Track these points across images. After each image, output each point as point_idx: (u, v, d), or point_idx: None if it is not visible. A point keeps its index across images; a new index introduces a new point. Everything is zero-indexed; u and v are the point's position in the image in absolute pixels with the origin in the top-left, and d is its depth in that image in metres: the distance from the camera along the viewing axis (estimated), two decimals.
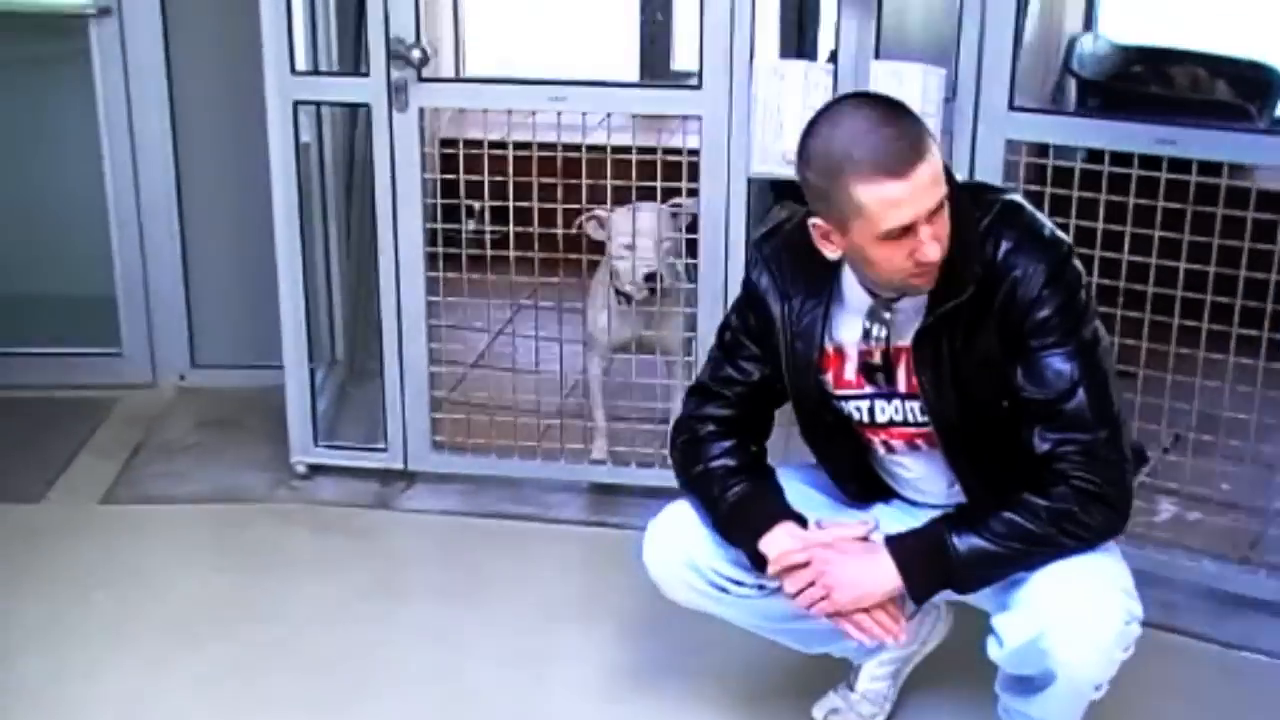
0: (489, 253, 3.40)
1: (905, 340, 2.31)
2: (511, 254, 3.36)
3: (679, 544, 2.46)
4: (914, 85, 3.10)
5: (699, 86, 3.22)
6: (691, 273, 3.39)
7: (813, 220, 2.23)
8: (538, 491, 3.60)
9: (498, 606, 3.17)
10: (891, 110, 2.13)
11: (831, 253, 2.24)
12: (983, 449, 2.34)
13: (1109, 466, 2.24)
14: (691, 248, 3.36)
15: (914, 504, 2.52)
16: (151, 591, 3.24)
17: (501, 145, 3.32)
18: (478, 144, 3.30)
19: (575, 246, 3.40)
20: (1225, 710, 2.84)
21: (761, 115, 3.21)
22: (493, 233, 3.45)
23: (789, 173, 3.10)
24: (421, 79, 3.29)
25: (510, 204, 3.34)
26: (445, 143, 3.39)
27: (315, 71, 3.48)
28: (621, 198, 3.38)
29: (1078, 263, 2.26)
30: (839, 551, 2.32)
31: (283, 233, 3.46)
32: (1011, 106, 3.08)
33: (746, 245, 3.24)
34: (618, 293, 3.49)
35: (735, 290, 3.07)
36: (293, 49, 3.33)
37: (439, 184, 3.39)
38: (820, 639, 2.63)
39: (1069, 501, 2.24)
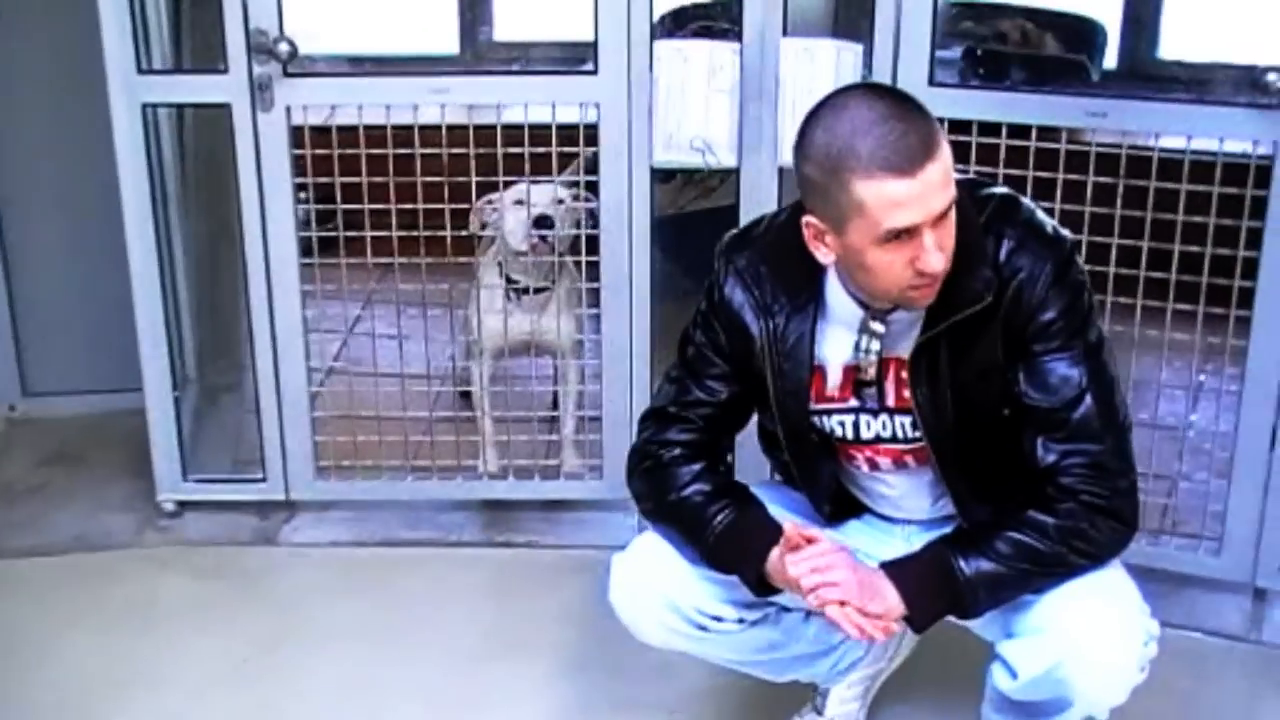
0: (342, 235, 3.23)
1: (897, 351, 2.21)
2: (368, 236, 3.18)
3: (655, 584, 2.33)
4: (827, 62, 3.03)
5: (595, 71, 3.08)
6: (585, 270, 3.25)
7: (807, 219, 2.10)
8: (431, 512, 3.44)
9: (415, 647, 2.99)
10: (901, 102, 2.02)
11: (824, 256, 2.12)
12: (978, 461, 2.25)
13: (1117, 478, 2.17)
14: (591, 244, 3.22)
15: (888, 520, 2.45)
16: (20, 663, 2.95)
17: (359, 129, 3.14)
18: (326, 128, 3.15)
19: (438, 230, 3.20)
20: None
21: (664, 100, 3.09)
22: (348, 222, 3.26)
23: (695, 160, 3.13)
24: (288, 74, 3.08)
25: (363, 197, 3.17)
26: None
27: (165, 69, 3.23)
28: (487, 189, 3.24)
29: (1080, 260, 2.18)
30: (846, 562, 2.20)
31: (137, 246, 3.23)
32: (932, 82, 2.97)
33: (651, 239, 3.19)
34: (509, 281, 3.34)
35: (640, 287, 3.21)
36: (139, 45, 3.11)
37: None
38: (794, 666, 2.54)
39: (1078, 518, 2.16)
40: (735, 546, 2.25)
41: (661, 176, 3.44)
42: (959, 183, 2.16)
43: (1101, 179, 2.93)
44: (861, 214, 2.01)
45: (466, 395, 3.58)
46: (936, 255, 2.03)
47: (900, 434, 2.27)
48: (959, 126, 2.94)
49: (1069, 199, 2.90)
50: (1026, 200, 2.20)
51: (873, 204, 1.99)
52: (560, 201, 3.25)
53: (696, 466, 2.32)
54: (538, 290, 3.35)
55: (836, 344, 2.25)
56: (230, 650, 2.97)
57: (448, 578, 3.22)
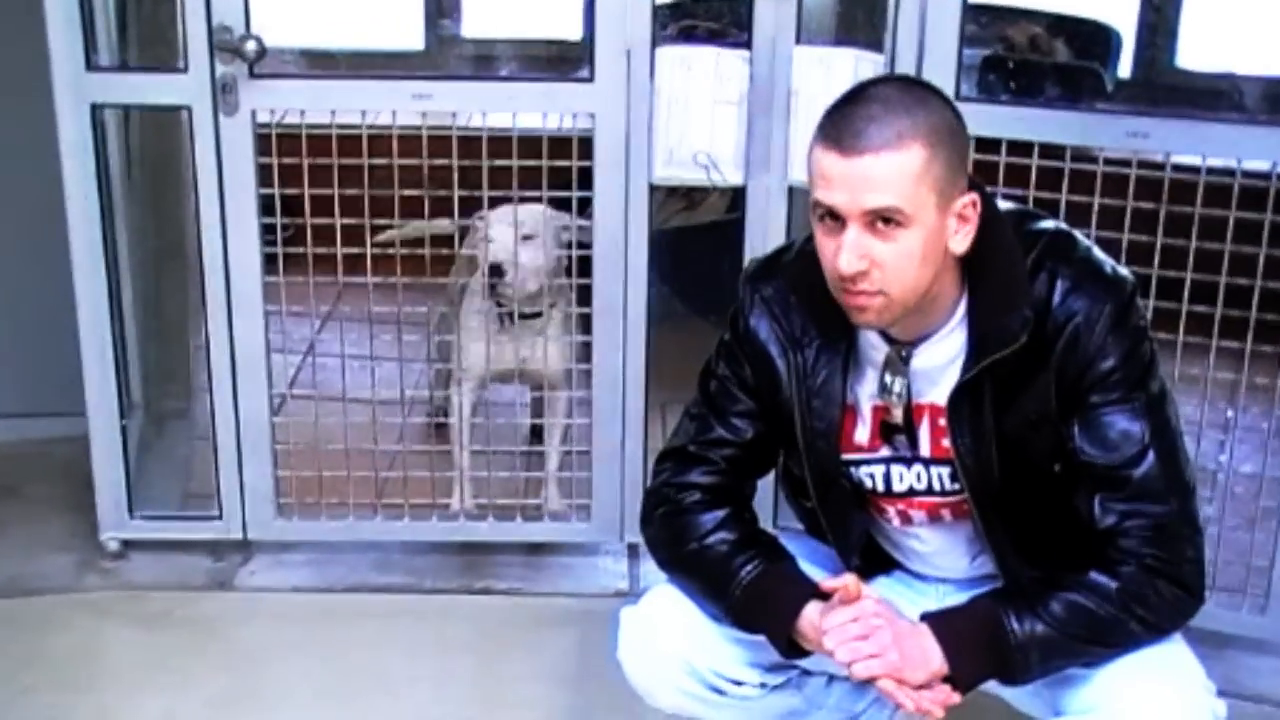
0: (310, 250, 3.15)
1: (929, 398, 2.15)
2: (339, 251, 3.12)
3: (670, 642, 2.25)
4: (844, 73, 2.97)
5: (591, 79, 3.03)
6: (577, 294, 3.21)
7: None
8: (403, 555, 3.38)
9: (385, 706, 2.90)
10: (906, 93, 2.01)
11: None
12: (1024, 517, 2.18)
13: (1182, 543, 2.10)
14: (584, 266, 3.16)
15: (920, 577, 2.38)
16: None
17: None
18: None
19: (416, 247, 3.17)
20: None
21: (666, 111, 3.05)
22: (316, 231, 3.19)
23: (698, 177, 3.11)
24: (254, 75, 3.02)
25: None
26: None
27: (118, 67, 3.16)
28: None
29: (1140, 303, 2.12)
30: (888, 619, 2.12)
31: (82, 259, 3.14)
32: (958, 97, 2.87)
33: (649, 262, 3.15)
34: (499, 306, 3.30)
35: (635, 313, 3.17)
36: (88, 38, 3.02)
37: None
38: None
39: (1140, 583, 2.09)
40: (763, 603, 2.18)
41: None
42: (1011, 214, 2.12)
43: (1141, 204, 2.89)
44: (810, 181, 2.04)
45: (441, 426, 3.54)
46: (848, 257, 1.99)
47: (937, 486, 2.21)
48: (986, 146, 2.90)
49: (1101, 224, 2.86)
50: (1083, 236, 2.15)
51: (813, 170, 2.02)
52: (528, 237, 3.20)
53: (719, 513, 2.25)
54: (528, 315, 3.30)
55: (865, 381, 2.19)
56: (185, 712, 2.87)
57: (421, 628, 3.16)
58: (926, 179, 1.98)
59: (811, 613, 2.15)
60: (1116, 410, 2.08)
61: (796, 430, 2.21)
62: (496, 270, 3.19)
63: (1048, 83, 3.92)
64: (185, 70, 3.00)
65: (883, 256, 1.99)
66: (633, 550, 3.33)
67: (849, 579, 2.14)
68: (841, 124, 1.98)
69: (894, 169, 1.96)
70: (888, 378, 2.15)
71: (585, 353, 3.23)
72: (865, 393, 2.20)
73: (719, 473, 2.28)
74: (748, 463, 2.29)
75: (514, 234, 3.17)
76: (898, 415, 2.17)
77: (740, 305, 2.24)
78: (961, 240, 2.04)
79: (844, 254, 1.99)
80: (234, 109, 3.02)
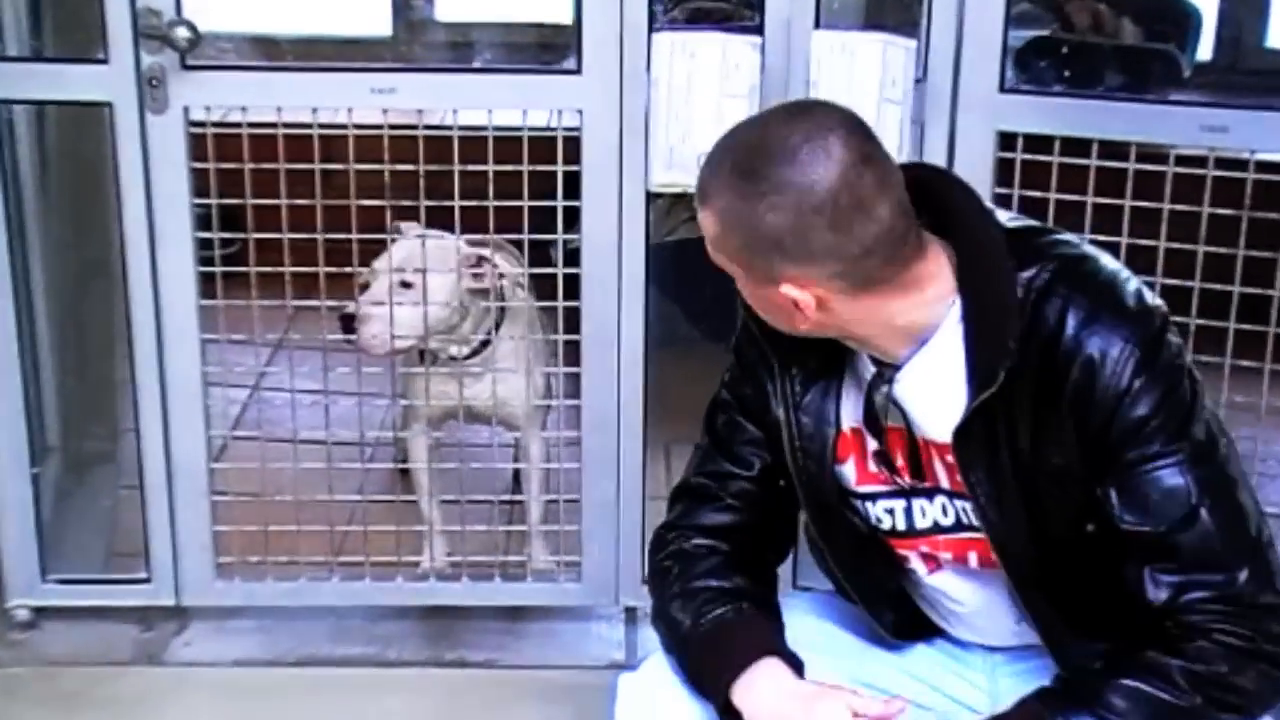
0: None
1: (933, 434, 2.16)
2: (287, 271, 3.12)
3: (678, 717, 2.25)
4: (870, 61, 2.99)
5: (578, 69, 3.04)
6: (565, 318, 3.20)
7: None
8: (363, 622, 3.40)
9: None
10: (754, 147, 2.01)
11: None
12: (1061, 578, 2.16)
13: (1259, 611, 2.05)
14: (571, 287, 3.16)
15: (964, 645, 2.37)
16: None
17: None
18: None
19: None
20: None
21: (665, 106, 3.05)
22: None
23: None
24: (186, 66, 3.02)
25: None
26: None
27: (26, 57, 3.19)
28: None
29: (1175, 336, 2.08)
30: None
31: None
32: (1004, 88, 2.97)
33: (647, 279, 3.17)
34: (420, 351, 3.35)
35: (631, 341, 3.18)
36: None
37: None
38: None
39: (1213, 660, 2.05)
40: (710, 660, 2.20)
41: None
42: (1015, 231, 2.11)
43: (1219, 210, 2.90)
44: None
45: (408, 473, 3.56)
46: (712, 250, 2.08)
47: (966, 520, 2.20)
48: (1037, 144, 2.94)
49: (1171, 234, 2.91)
50: (1106, 257, 2.13)
51: None
52: (406, 285, 3.18)
53: (719, 559, 2.30)
54: (456, 357, 3.32)
55: (859, 405, 2.22)
56: None
57: (384, 706, 3.17)
58: (722, 248, 2.04)
59: (761, 680, 2.15)
60: (1156, 466, 2.05)
61: (785, 452, 2.23)
62: (346, 322, 3.17)
63: (1110, 69, 3.90)
64: (106, 61, 3.00)
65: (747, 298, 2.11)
66: (630, 615, 3.34)
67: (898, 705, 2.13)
68: (712, 149, 2.05)
69: (702, 221, 2.05)
70: (878, 400, 2.16)
71: (575, 385, 3.23)
72: (858, 416, 2.22)
73: (729, 510, 2.31)
74: (765, 501, 2.31)
75: (387, 279, 3.17)
76: (900, 451, 2.18)
77: (741, 320, 2.28)
78: (810, 316, 2.05)
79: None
80: (163, 105, 3.02)
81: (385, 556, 3.31)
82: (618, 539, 3.25)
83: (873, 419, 2.17)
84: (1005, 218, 2.13)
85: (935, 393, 2.10)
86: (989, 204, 2.13)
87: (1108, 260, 2.12)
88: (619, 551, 3.25)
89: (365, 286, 3.20)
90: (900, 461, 2.18)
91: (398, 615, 3.39)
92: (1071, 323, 2.03)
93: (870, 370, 2.16)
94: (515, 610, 3.37)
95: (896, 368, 2.12)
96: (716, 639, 2.21)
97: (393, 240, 3.21)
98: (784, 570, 2.98)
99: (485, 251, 3.22)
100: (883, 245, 1.97)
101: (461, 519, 3.33)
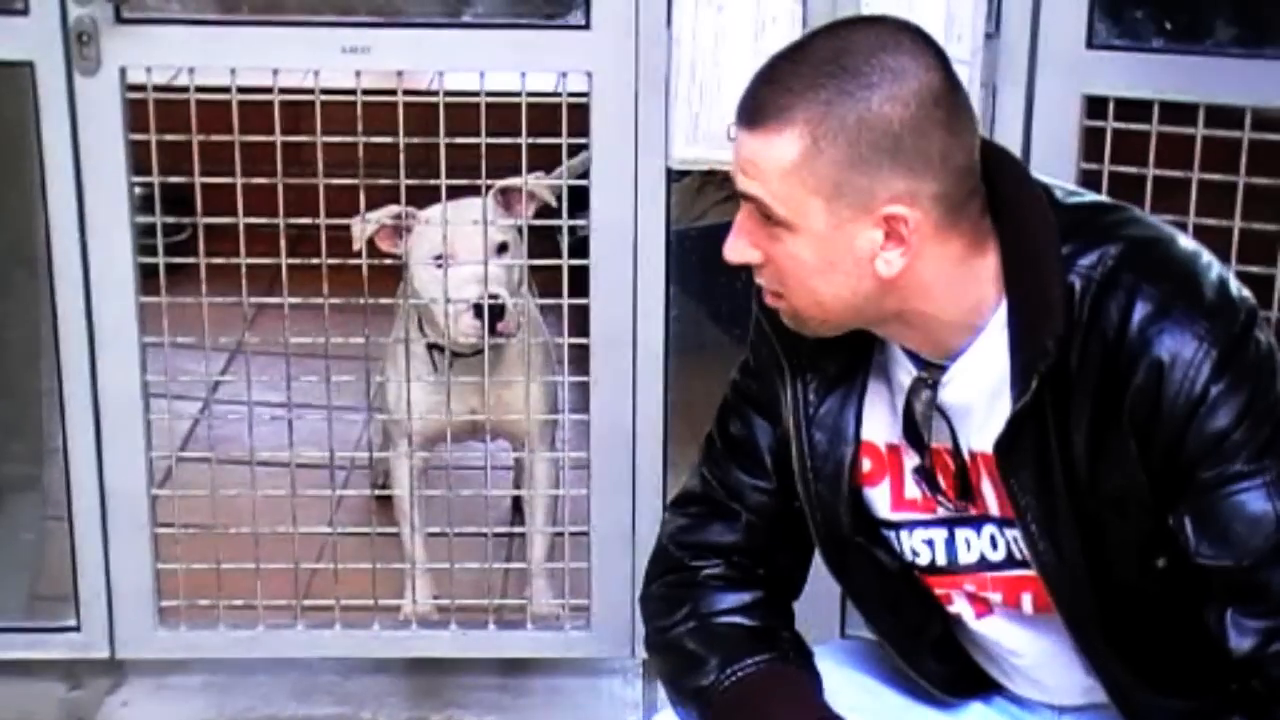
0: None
1: (979, 445, 2.14)
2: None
3: None
4: (932, 12, 2.95)
5: (586, 24, 3.05)
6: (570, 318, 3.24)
7: None
8: (334, 677, 3.39)
9: None
10: (836, 46, 2.01)
11: None
12: (1129, 623, 2.14)
13: None
14: (579, 282, 3.16)
15: (1028, 705, 2.34)
16: None
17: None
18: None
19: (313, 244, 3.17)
20: None
21: (689, 68, 3.04)
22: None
23: (731, 158, 3.03)
24: (121, 19, 3.03)
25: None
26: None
27: None
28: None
29: (1264, 334, 2.05)
30: None
31: None
32: (1091, 43, 2.98)
33: (669, 272, 3.17)
34: (431, 347, 3.36)
35: (650, 344, 3.19)
36: None
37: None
38: None
39: None
40: (744, 709, 2.22)
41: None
42: (1071, 207, 2.09)
43: None
44: None
45: (388, 500, 3.54)
46: (730, 240, 2.07)
47: (1018, 554, 2.18)
48: (1132, 110, 2.93)
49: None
50: (1184, 238, 2.11)
51: None
52: (503, 248, 3.22)
53: (745, 595, 2.31)
54: (467, 354, 3.33)
55: (897, 418, 2.21)
56: None
57: None
58: (806, 178, 1.98)
59: None
60: (1239, 490, 2.01)
61: (795, 473, 2.23)
62: (494, 312, 3.16)
63: (1221, 18, 3.78)
64: (25, 11, 3.00)
65: (769, 256, 2.05)
66: (648, 669, 3.28)
67: None
68: (755, 76, 2.03)
69: (762, 155, 2.00)
70: (919, 407, 2.15)
71: (584, 397, 3.24)
72: (894, 427, 2.22)
73: (751, 530, 2.31)
74: (783, 514, 2.30)
75: (483, 241, 3.16)
76: (948, 463, 2.16)
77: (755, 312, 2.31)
78: (886, 265, 2.01)
79: (730, 238, 2.06)
80: (95, 65, 3.02)
81: (359, 600, 3.28)
82: (633, 578, 3.13)
83: (913, 430, 2.16)
84: (1063, 193, 2.12)
85: (985, 398, 2.10)
86: (1042, 177, 2.13)
87: (1185, 242, 2.10)
88: (634, 594, 3.13)
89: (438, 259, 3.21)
90: (944, 481, 2.17)
91: (374, 669, 3.38)
92: (1137, 318, 2.01)
93: (909, 372, 2.14)
94: (513, 663, 3.36)
95: (942, 369, 2.10)
96: (749, 700, 2.22)
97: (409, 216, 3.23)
98: (830, 615, 2.95)
99: (514, 181, 3.21)
100: (975, 168, 1.99)
101: (450, 555, 3.30)
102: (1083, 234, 2.05)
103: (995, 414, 2.08)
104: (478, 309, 3.17)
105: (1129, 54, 3.00)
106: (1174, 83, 2.93)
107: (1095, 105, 2.97)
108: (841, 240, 1.99)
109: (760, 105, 2.00)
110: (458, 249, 3.18)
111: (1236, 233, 2.93)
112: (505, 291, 3.19)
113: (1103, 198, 2.26)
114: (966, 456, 2.15)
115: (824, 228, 1.98)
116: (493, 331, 3.19)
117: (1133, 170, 2.94)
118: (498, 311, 3.18)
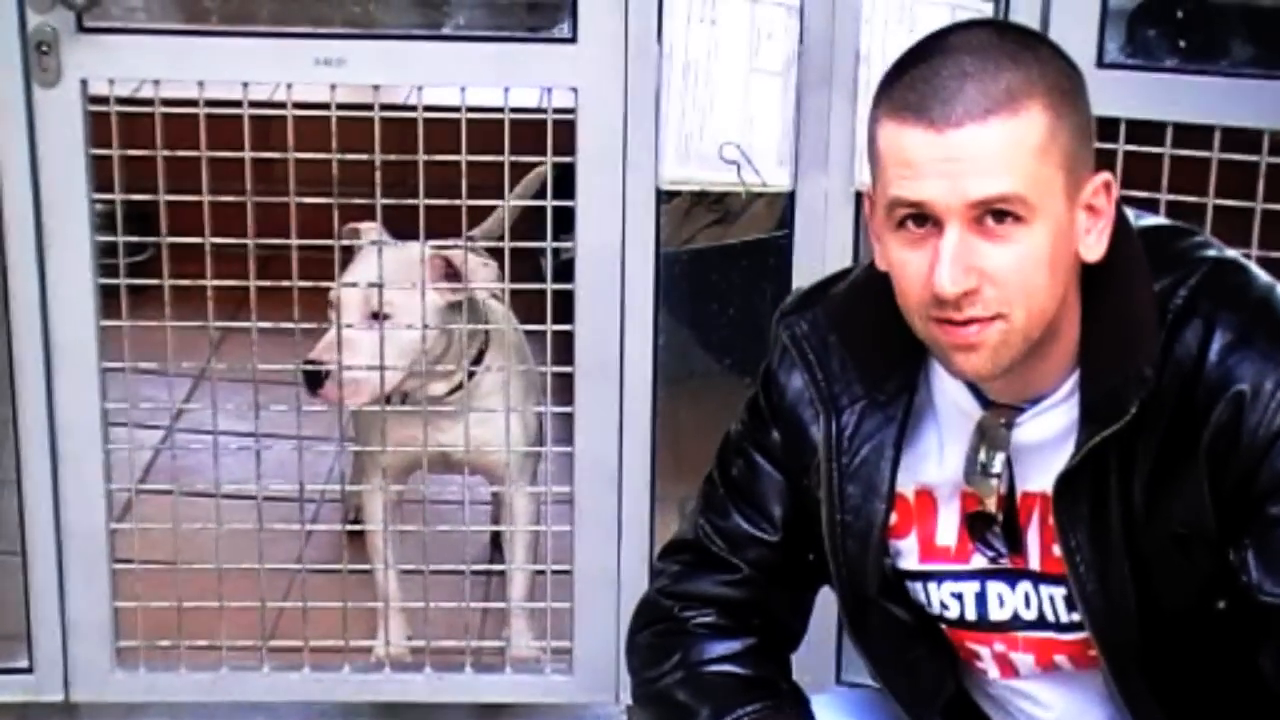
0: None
1: (1038, 484, 2.12)
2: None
3: None
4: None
5: (573, 37, 3.05)
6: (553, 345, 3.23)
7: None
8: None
9: None
10: (1005, 41, 2.01)
11: (879, 257, 2.12)
12: (1179, 673, 2.12)
13: None
14: (563, 307, 3.16)
15: None
16: None
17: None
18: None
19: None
20: None
21: (680, 85, 3.05)
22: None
23: (725, 178, 3.12)
24: (84, 28, 3.02)
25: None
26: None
27: None
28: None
29: None
30: None
31: None
32: (1101, 62, 2.96)
33: (659, 297, 3.19)
34: None
35: (637, 374, 3.20)
36: None
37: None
38: None
39: None
40: None
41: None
42: (1152, 230, 2.09)
43: None
44: (878, 172, 2.05)
45: (360, 535, 3.53)
46: (952, 270, 1.96)
47: (1050, 616, 2.17)
48: (1144, 131, 2.92)
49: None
50: (1260, 271, 2.10)
51: (884, 156, 2.03)
52: (380, 316, 3.18)
53: (735, 643, 2.28)
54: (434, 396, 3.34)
55: (944, 458, 2.17)
56: None
57: None
58: (1053, 153, 1.95)
59: None
60: None
61: (823, 527, 2.21)
62: (313, 381, 3.16)
63: (1237, 38, 3.77)
64: None
65: (997, 267, 1.97)
66: (634, 716, 3.29)
67: None
68: (923, 86, 1.96)
69: (1008, 141, 1.94)
70: (984, 454, 2.10)
71: (568, 429, 3.24)
72: (943, 473, 2.17)
73: (743, 583, 2.28)
74: (784, 567, 2.29)
75: (357, 310, 3.17)
76: (993, 505, 2.13)
77: (772, 343, 2.27)
78: (1095, 243, 2.01)
79: (945, 267, 1.95)
80: (55, 77, 3.03)
81: (329, 640, 3.28)
82: (618, 619, 3.11)
83: (979, 472, 2.12)
84: (1132, 214, 2.11)
85: (1056, 435, 2.08)
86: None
87: (1261, 273, 2.09)
88: (620, 635, 3.08)
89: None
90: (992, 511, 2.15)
91: (344, 714, 3.38)
92: (1216, 348, 2.01)
93: (969, 412, 2.11)
94: (491, 709, 3.36)
95: (1015, 409, 2.08)
96: None
97: (353, 250, 3.24)
98: (827, 662, 2.91)
99: (454, 254, 3.20)
100: None
101: (425, 594, 3.30)
102: (1157, 258, 2.06)
103: (1062, 451, 2.08)
104: (306, 375, 3.19)
105: (1141, 74, 3.01)
106: (1188, 104, 2.93)
107: (1106, 126, 2.86)
108: (1069, 221, 1.98)
109: (982, 93, 1.94)
110: (341, 307, 3.20)
111: (1254, 260, 2.85)
112: (364, 359, 3.15)
113: (1172, 221, 2.25)
114: (1019, 499, 2.14)
115: (1062, 208, 1.96)
116: (313, 392, 3.19)
117: (1144, 194, 2.89)
118: (318, 380, 3.17)
